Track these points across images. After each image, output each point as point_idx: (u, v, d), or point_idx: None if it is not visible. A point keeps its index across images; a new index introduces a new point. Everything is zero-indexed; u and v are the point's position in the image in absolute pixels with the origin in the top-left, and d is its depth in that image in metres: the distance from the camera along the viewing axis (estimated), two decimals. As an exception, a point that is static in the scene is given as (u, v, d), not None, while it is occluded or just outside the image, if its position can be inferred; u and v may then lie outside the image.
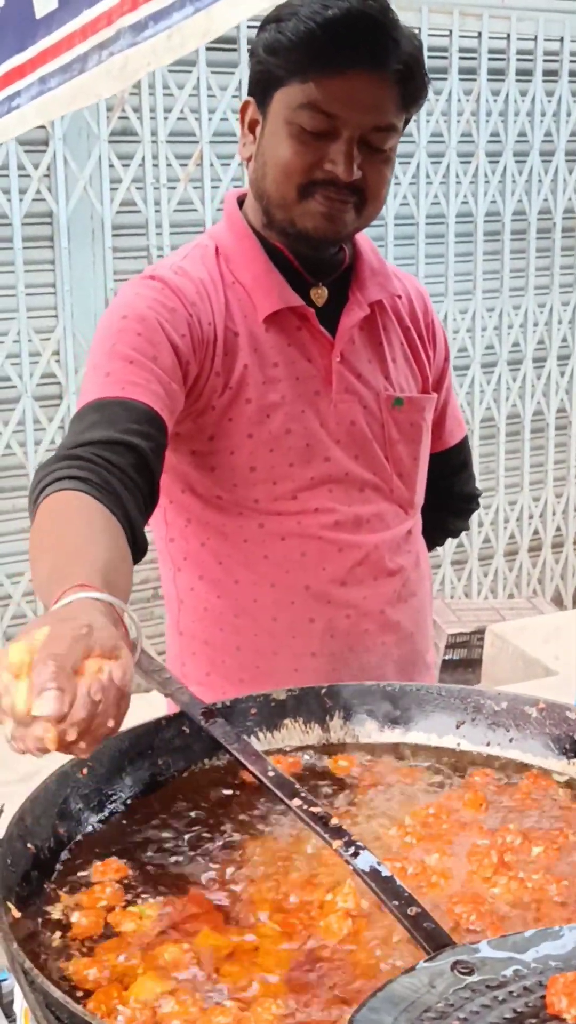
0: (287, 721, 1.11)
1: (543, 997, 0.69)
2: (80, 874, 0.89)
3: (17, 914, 0.80)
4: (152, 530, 1.46)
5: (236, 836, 0.94)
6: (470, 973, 0.71)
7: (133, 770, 1.01)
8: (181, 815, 0.98)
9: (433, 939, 0.76)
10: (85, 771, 0.96)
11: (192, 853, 0.92)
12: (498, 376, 4.40)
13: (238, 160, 3.71)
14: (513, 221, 4.32)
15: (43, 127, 3.41)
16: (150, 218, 3.64)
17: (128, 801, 0.99)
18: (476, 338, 4.27)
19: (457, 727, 1.11)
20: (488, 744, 1.10)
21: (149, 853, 0.92)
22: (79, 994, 0.76)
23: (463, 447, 1.64)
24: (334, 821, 0.88)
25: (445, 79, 3.99)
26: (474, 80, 4.09)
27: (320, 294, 1.38)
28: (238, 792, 1.01)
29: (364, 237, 1.44)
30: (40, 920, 0.83)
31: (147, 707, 1.08)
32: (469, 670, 3.71)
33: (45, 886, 0.87)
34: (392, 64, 1.24)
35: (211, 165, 3.68)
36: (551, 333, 4.52)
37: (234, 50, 3.64)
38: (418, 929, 0.77)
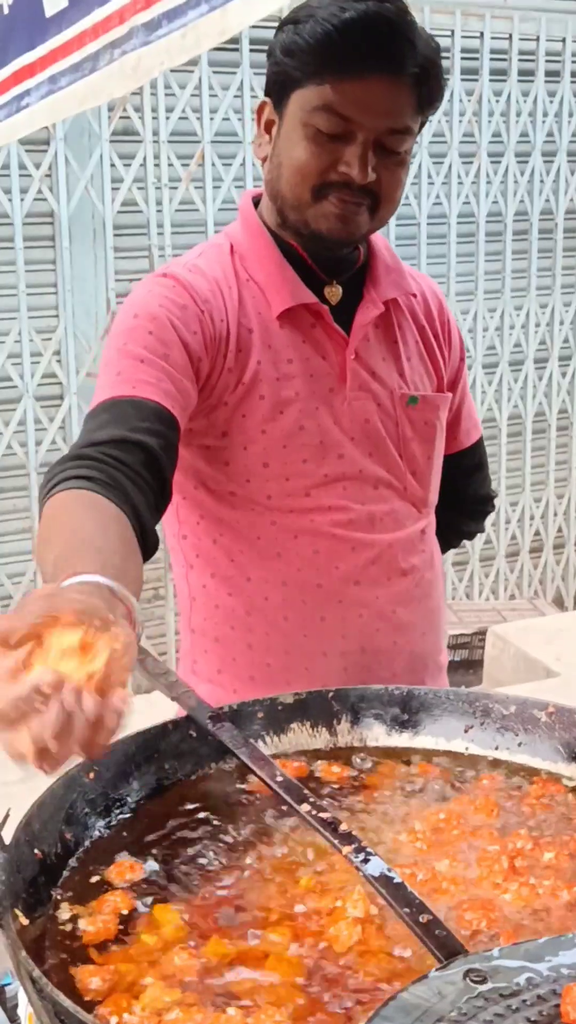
0: (294, 725, 1.10)
1: (557, 1006, 0.68)
2: (87, 880, 0.88)
3: (25, 921, 0.79)
4: (164, 527, 1.46)
5: (244, 841, 0.94)
6: (483, 982, 0.70)
7: (140, 774, 1.00)
8: (188, 820, 0.97)
9: (445, 947, 0.75)
10: (92, 775, 0.95)
11: (200, 858, 0.91)
12: (499, 377, 4.40)
13: (239, 160, 3.71)
14: (515, 222, 4.32)
15: (44, 127, 3.40)
16: (151, 218, 3.63)
17: (135, 805, 0.98)
18: (478, 339, 4.26)
19: (465, 731, 1.10)
20: (496, 748, 1.09)
21: (156, 858, 0.91)
22: (87, 1002, 0.75)
23: (478, 448, 1.64)
24: (343, 827, 0.88)
25: (447, 79, 3.98)
26: (476, 80, 4.09)
27: (334, 292, 1.38)
28: (246, 797, 1.00)
29: (379, 236, 1.45)
30: (48, 927, 0.83)
31: (150, 708, 1.07)
32: (470, 671, 3.70)
33: (53, 892, 0.86)
34: (408, 67, 1.24)
35: (213, 165, 3.68)
36: (553, 334, 4.52)
37: (236, 50, 3.64)
38: (430, 937, 0.76)
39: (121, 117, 3.52)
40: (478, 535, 1.86)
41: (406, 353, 1.44)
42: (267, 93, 1.33)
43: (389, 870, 0.83)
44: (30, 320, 3.49)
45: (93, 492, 1.07)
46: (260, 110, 1.34)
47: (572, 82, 4.34)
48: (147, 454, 1.16)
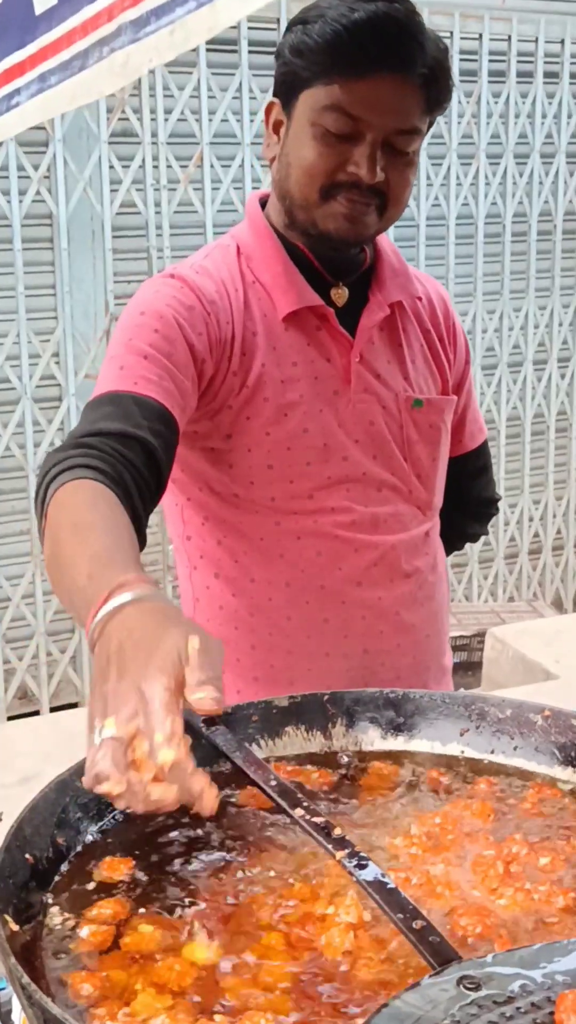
0: (289, 728, 1.09)
1: (551, 1014, 0.67)
2: (79, 886, 0.88)
3: (15, 927, 0.78)
4: (169, 528, 1.47)
5: (237, 845, 0.93)
6: (477, 988, 0.70)
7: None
8: (181, 824, 0.96)
9: (439, 953, 0.74)
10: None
11: (193, 863, 0.91)
12: (498, 378, 4.40)
13: (238, 162, 3.70)
14: (514, 223, 4.32)
15: (43, 128, 3.40)
16: (150, 219, 3.63)
17: (127, 810, 0.97)
18: (476, 341, 4.26)
19: (461, 735, 1.09)
20: (492, 752, 1.08)
21: (149, 863, 0.91)
22: (78, 1009, 0.75)
23: (483, 451, 1.64)
24: (337, 831, 0.87)
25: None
26: (475, 82, 4.09)
27: (340, 294, 1.39)
28: (240, 801, 1.00)
29: (385, 238, 1.45)
30: (38, 933, 0.82)
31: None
32: (469, 673, 3.70)
33: (44, 898, 0.85)
34: (417, 67, 1.25)
35: (211, 167, 3.67)
36: (552, 335, 4.52)
37: (235, 51, 3.63)
38: (423, 943, 0.75)
39: (120, 119, 3.52)
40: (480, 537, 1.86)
41: (411, 356, 1.44)
42: (276, 93, 1.33)
43: (382, 875, 0.82)
44: (28, 322, 3.49)
45: (100, 483, 1.07)
46: (268, 110, 1.34)
47: (571, 83, 4.33)
48: (148, 453, 1.16)
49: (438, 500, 1.49)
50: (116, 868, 0.89)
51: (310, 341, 1.36)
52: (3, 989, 1.24)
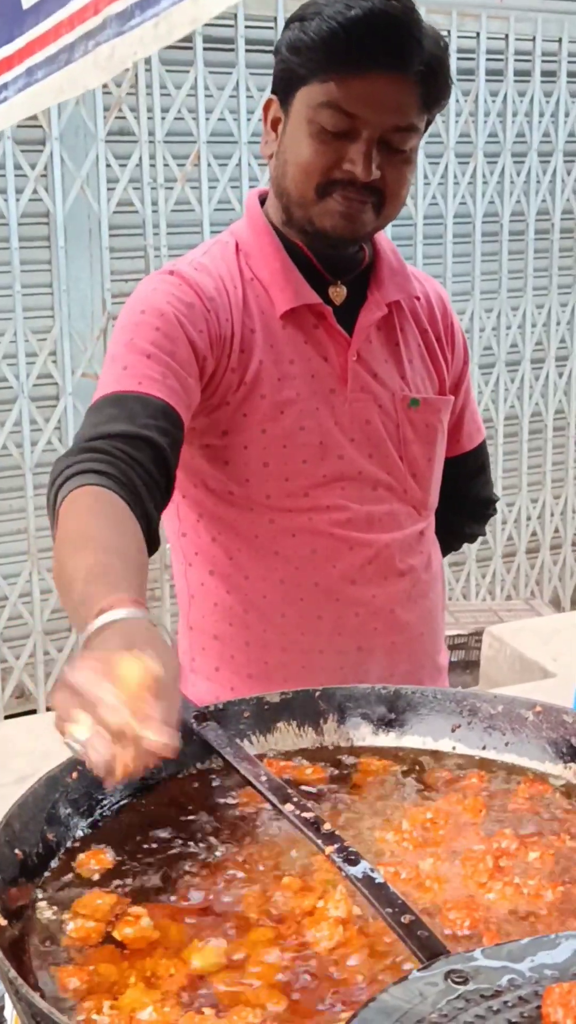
0: (280, 724, 1.09)
1: (539, 1007, 0.67)
2: (68, 881, 0.88)
3: (3, 922, 0.78)
4: (164, 524, 1.47)
5: (228, 841, 0.93)
6: (464, 982, 0.70)
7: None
8: (172, 820, 0.96)
9: (427, 947, 0.74)
10: (75, 775, 0.94)
11: (182, 859, 0.91)
12: (496, 377, 4.40)
13: (235, 160, 3.70)
14: (511, 222, 4.32)
15: (40, 126, 3.40)
16: (147, 218, 3.63)
17: (118, 805, 0.97)
18: (474, 340, 4.26)
19: (452, 730, 1.09)
20: (484, 748, 1.08)
21: (139, 859, 0.91)
22: (67, 1004, 0.75)
23: (481, 451, 1.64)
24: (327, 826, 0.87)
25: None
26: (472, 80, 4.09)
27: (339, 292, 1.39)
28: (230, 797, 1.00)
29: (384, 237, 1.45)
30: (28, 928, 0.82)
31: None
32: (467, 672, 3.70)
33: (33, 893, 0.85)
34: (414, 65, 1.24)
35: (208, 165, 3.67)
36: (549, 334, 4.52)
37: (231, 50, 3.63)
38: (411, 937, 0.75)
39: (117, 117, 3.52)
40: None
41: (408, 355, 1.44)
42: (274, 90, 1.33)
43: (372, 870, 0.82)
44: (25, 320, 3.49)
45: (111, 491, 1.07)
46: (267, 108, 1.34)
47: (568, 82, 4.33)
48: (156, 452, 1.16)
49: (433, 499, 1.49)
50: (105, 863, 0.89)
51: (307, 339, 1.36)
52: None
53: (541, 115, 4.30)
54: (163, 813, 0.97)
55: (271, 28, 3.67)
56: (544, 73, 4.26)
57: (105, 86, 3.35)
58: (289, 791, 0.92)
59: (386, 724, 1.10)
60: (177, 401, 1.21)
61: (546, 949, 0.73)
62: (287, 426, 1.34)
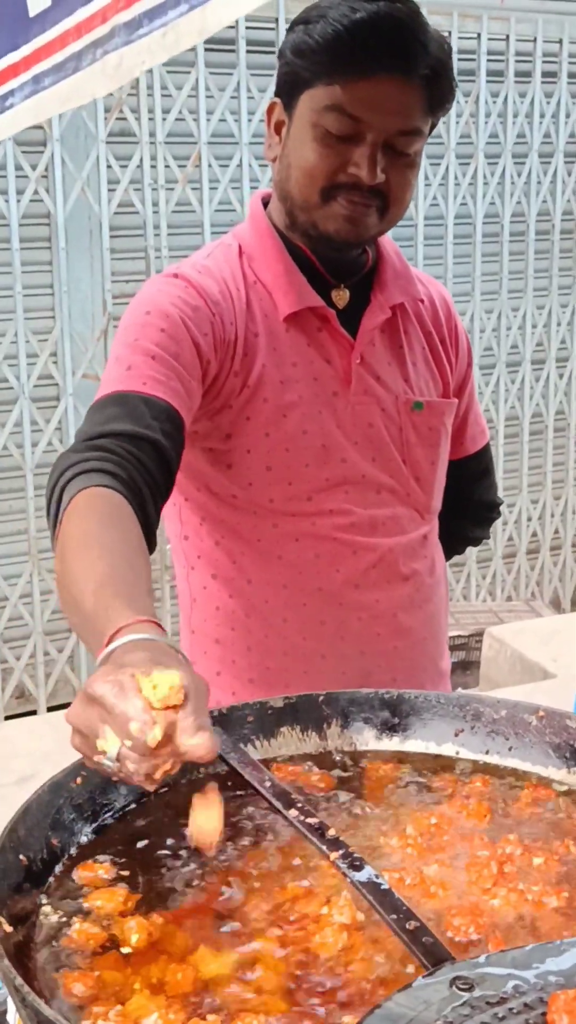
0: (284, 729, 1.09)
1: (544, 1014, 0.67)
2: (74, 886, 0.88)
3: (9, 928, 0.78)
4: (167, 528, 1.47)
5: (232, 847, 0.93)
6: (470, 989, 0.70)
7: (127, 779, 0.99)
8: (176, 825, 0.96)
9: (432, 954, 0.74)
10: (79, 780, 0.94)
11: (187, 864, 0.91)
12: (496, 378, 4.40)
13: (236, 161, 3.70)
14: (512, 223, 4.32)
15: (41, 128, 3.39)
16: (148, 219, 3.63)
17: (122, 811, 0.97)
18: (474, 340, 4.26)
19: (456, 735, 1.09)
20: (487, 752, 1.08)
21: (144, 864, 0.91)
22: (73, 1010, 0.75)
23: (485, 454, 1.64)
24: (331, 832, 0.87)
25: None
26: (473, 81, 4.09)
27: (342, 296, 1.38)
28: (235, 801, 1.00)
29: (388, 240, 1.44)
30: (32, 934, 0.82)
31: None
32: (467, 673, 3.70)
33: (38, 899, 0.86)
34: (419, 68, 1.24)
35: (209, 166, 3.67)
36: (550, 335, 4.52)
37: (232, 51, 3.63)
38: (416, 944, 0.75)
39: (117, 118, 3.52)
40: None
41: (412, 358, 1.44)
42: (277, 93, 1.32)
43: (376, 876, 0.82)
44: (26, 321, 3.49)
45: (118, 494, 1.06)
46: (270, 111, 1.34)
47: (569, 83, 4.33)
48: (160, 454, 1.15)
49: (437, 503, 1.49)
50: (110, 869, 0.89)
51: (311, 342, 1.36)
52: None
53: (542, 116, 4.30)
54: (167, 818, 0.97)
55: (272, 29, 3.67)
56: (545, 74, 4.26)
57: (106, 87, 3.34)
58: (293, 796, 0.92)
59: (389, 729, 1.10)
60: (180, 404, 1.21)
61: (551, 956, 0.73)
62: (290, 430, 1.34)
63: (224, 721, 1.06)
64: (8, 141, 3.32)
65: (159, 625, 0.88)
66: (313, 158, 1.27)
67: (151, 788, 0.78)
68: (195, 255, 1.40)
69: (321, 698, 1.11)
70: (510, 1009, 0.69)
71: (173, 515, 1.44)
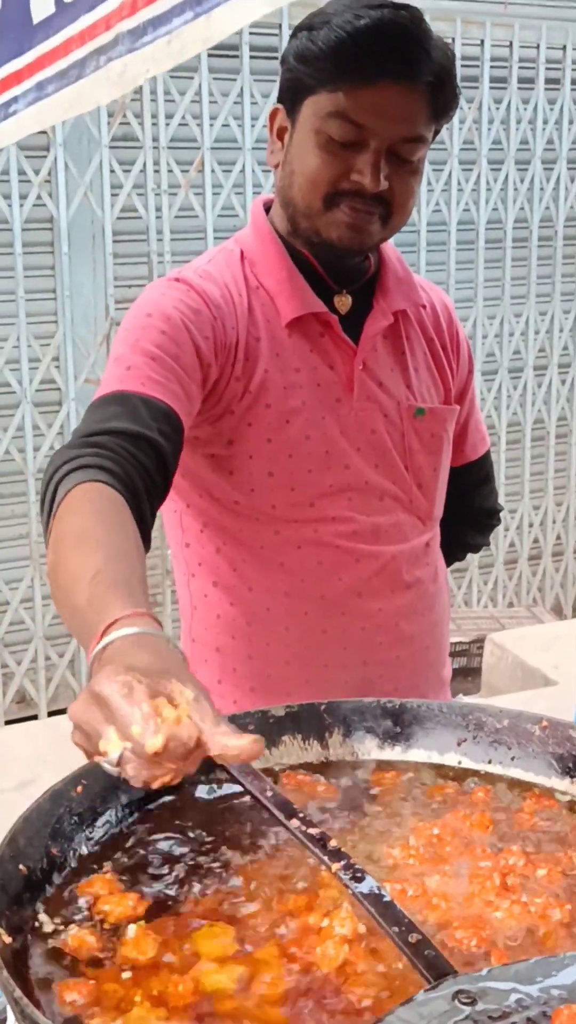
0: (285, 738, 1.09)
1: (547, 1029, 0.67)
2: (74, 897, 0.87)
3: (8, 939, 0.78)
4: (168, 534, 1.46)
5: (233, 857, 0.92)
6: (472, 1003, 0.69)
7: (127, 787, 0.98)
8: (176, 834, 0.95)
9: (434, 967, 0.74)
10: (80, 789, 0.94)
11: (188, 874, 0.90)
12: (499, 384, 4.39)
13: (239, 167, 3.70)
14: (515, 229, 4.32)
15: (44, 132, 3.39)
16: (151, 224, 3.63)
17: (122, 820, 0.97)
18: (477, 346, 4.26)
19: (458, 744, 1.09)
20: (490, 762, 1.08)
21: (145, 874, 0.90)
22: (71, 1023, 0.74)
23: (486, 461, 1.63)
24: (333, 843, 0.86)
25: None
26: (476, 88, 4.09)
27: (344, 302, 1.38)
28: (235, 811, 0.99)
29: (390, 246, 1.44)
30: (31, 944, 0.81)
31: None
32: (468, 679, 3.69)
33: (37, 909, 0.85)
34: (423, 75, 1.24)
35: (212, 171, 3.67)
36: (552, 341, 4.51)
37: (236, 56, 3.63)
38: (419, 957, 0.74)
39: (121, 123, 3.52)
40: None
41: (414, 364, 1.43)
42: (280, 99, 1.32)
43: (379, 888, 0.82)
44: (29, 326, 3.49)
45: (115, 491, 1.05)
46: (273, 116, 1.33)
47: (572, 89, 4.33)
48: (159, 455, 1.15)
49: (439, 510, 1.49)
50: (110, 878, 0.89)
51: (313, 348, 1.36)
52: (-2, 998, 1.23)
53: (545, 122, 4.30)
54: (168, 828, 0.97)
55: (275, 35, 3.68)
56: (548, 80, 4.26)
57: (109, 92, 3.34)
58: (294, 806, 0.91)
59: (392, 738, 1.10)
60: (179, 406, 1.20)
61: (555, 970, 0.72)
62: (293, 435, 1.34)
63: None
64: (11, 146, 3.32)
65: (155, 619, 0.88)
66: (316, 165, 1.26)
67: (153, 787, 0.78)
68: (197, 260, 1.40)
69: (323, 707, 1.11)
70: (513, 1023, 0.68)
71: (174, 522, 1.43)
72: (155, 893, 0.88)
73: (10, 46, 1.01)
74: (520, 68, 4.17)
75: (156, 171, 3.61)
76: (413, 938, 0.76)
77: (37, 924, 0.83)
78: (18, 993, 0.70)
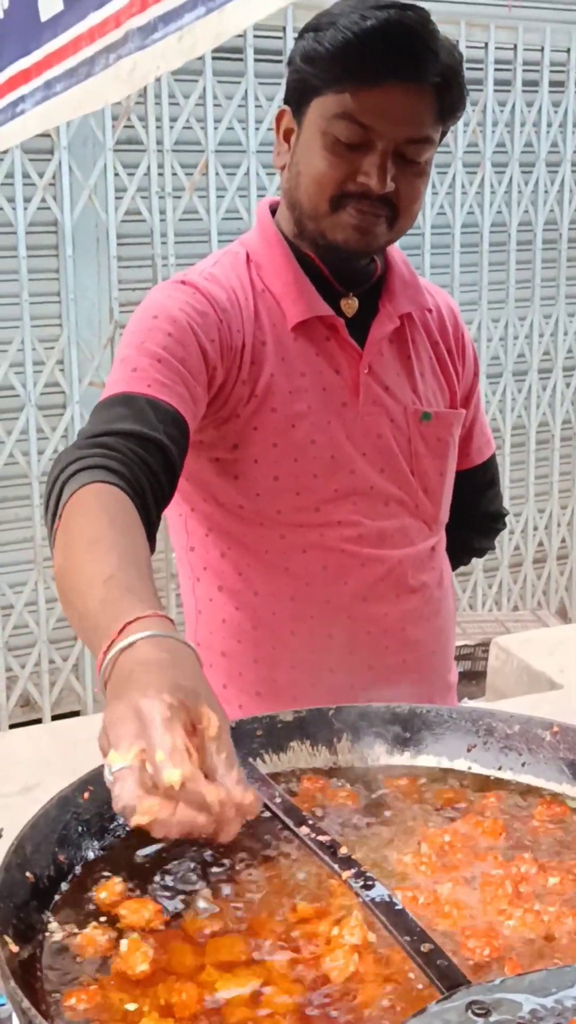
0: (294, 743, 1.08)
1: (563, 1041, 0.66)
2: (81, 905, 0.86)
3: (15, 948, 0.77)
4: (172, 539, 1.45)
5: (241, 864, 0.91)
6: (486, 1014, 0.68)
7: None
8: (184, 842, 0.94)
9: (447, 977, 0.73)
10: (87, 795, 0.93)
11: (195, 882, 0.89)
12: (503, 387, 4.38)
13: (243, 170, 3.70)
14: (519, 232, 4.31)
15: (48, 135, 3.39)
16: (155, 227, 3.62)
17: (130, 827, 0.96)
18: (481, 349, 4.25)
19: (468, 750, 1.08)
20: (500, 768, 1.07)
21: (152, 882, 0.89)
22: (78, 1031, 0.73)
23: (491, 465, 1.63)
24: (343, 851, 0.86)
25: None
26: (480, 90, 4.08)
27: (351, 305, 1.37)
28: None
29: (396, 249, 1.43)
30: (39, 953, 0.80)
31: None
32: (473, 683, 3.68)
33: (44, 917, 0.84)
34: (430, 76, 1.23)
35: (216, 174, 3.67)
36: (557, 344, 4.51)
37: (240, 60, 3.63)
38: (431, 967, 0.74)
39: (125, 126, 3.52)
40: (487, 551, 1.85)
41: (419, 369, 1.43)
42: (286, 101, 1.31)
43: (390, 896, 0.81)
44: (33, 329, 3.48)
45: (123, 492, 1.04)
46: (279, 118, 1.33)
47: (577, 92, 4.33)
48: (166, 458, 1.14)
49: (444, 515, 1.48)
50: (118, 886, 0.88)
51: (319, 351, 1.35)
52: (3, 1005, 1.22)
53: (549, 125, 4.29)
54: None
55: (280, 38, 3.67)
56: (552, 83, 4.25)
57: (114, 95, 3.34)
58: (304, 813, 0.90)
59: (401, 743, 1.09)
60: (185, 409, 1.19)
61: (570, 981, 0.71)
62: (298, 440, 1.33)
63: (233, 735, 1.04)
64: (15, 149, 3.32)
65: (172, 621, 0.87)
66: (322, 166, 1.26)
67: (127, 819, 0.76)
68: (201, 263, 1.39)
69: (331, 712, 1.10)
70: (528, 1035, 0.67)
71: (179, 526, 1.42)
72: (162, 900, 0.87)
73: (17, 45, 1.00)
74: (524, 71, 4.17)
75: (160, 174, 3.60)
76: (425, 947, 0.75)
77: (46, 932, 0.82)
78: (26, 1004, 0.69)
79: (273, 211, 1.40)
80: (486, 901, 0.86)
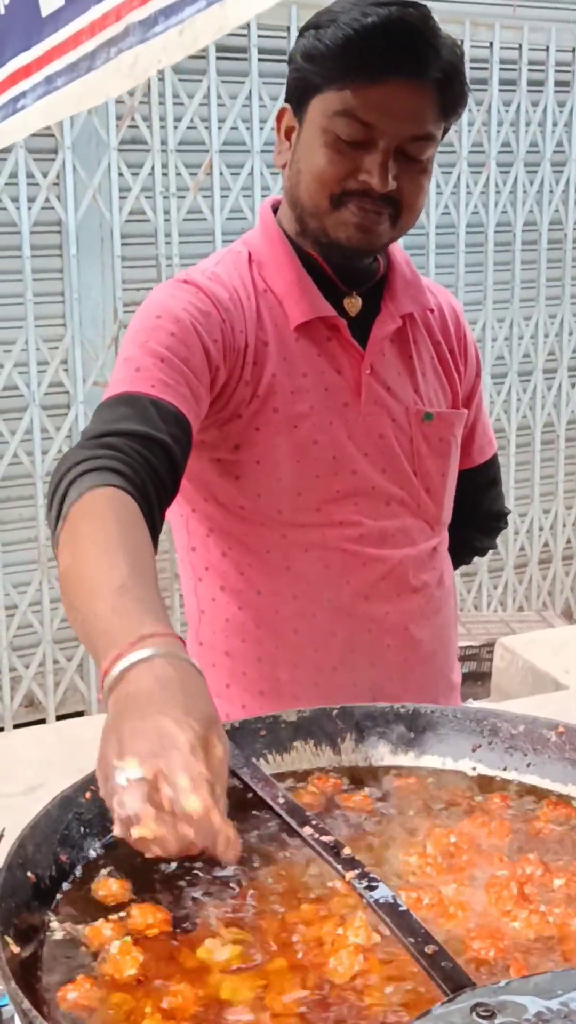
0: (297, 743, 1.07)
1: (568, 1044, 0.65)
2: (82, 904, 0.86)
3: (16, 949, 0.76)
4: (174, 539, 1.45)
5: (244, 864, 0.91)
6: (491, 1017, 0.68)
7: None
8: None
9: (451, 979, 0.72)
10: (88, 795, 0.92)
11: (198, 882, 0.89)
12: (508, 387, 4.38)
13: (247, 169, 3.70)
14: (524, 231, 4.30)
15: (52, 135, 3.39)
16: (159, 227, 3.62)
17: (120, 835, 0.95)
18: (486, 349, 4.24)
19: (473, 751, 1.07)
20: (505, 769, 1.06)
21: (154, 881, 0.89)
22: (80, 1033, 0.73)
23: (493, 464, 1.62)
24: (347, 851, 0.85)
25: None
26: (485, 90, 4.07)
27: (354, 303, 1.36)
28: (247, 818, 0.97)
29: (398, 248, 1.43)
30: (40, 953, 0.80)
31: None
32: (478, 683, 3.67)
33: (46, 917, 0.84)
34: (431, 73, 1.22)
35: (220, 174, 3.67)
36: (562, 344, 4.50)
37: (245, 59, 3.63)
38: (435, 968, 0.73)
39: (129, 126, 3.52)
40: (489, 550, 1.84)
41: (421, 368, 1.42)
42: (288, 99, 1.30)
43: (394, 897, 0.80)
44: (37, 329, 3.48)
45: (129, 496, 1.04)
46: (280, 116, 1.32)
47: (582, 92, 4.32)
48: (170, 458, 1.13)
49: (446, 515, 1.47)
50: (120, 886, 0.87)
51: (321, 352, 1.34)
52: (5, 1006, 1.22)
53: (554, 125, 4.28)
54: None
55: (284, 38, 3.67)
56: (557, 83, 4.24)
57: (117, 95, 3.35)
58: (307, 814, 0.90)
59: (405, 744, 1.08)
60: (188, 409, 1.19)
61: (575, 982, 0.70)
62: (300, 440, 1.32)
63: (236, 735, 1.04)
64: (19, 148, 3.32)
65: (184, 643, 0.87)
66: (323, 164, 1.25)
67: (117, 829, 0.76)
68: (203, 262, 1.38)
69: (335, 712, 1.09)
70: (533, 1038, 0.66)
71: (180, 526, 1.42)
72: (165, 901, 0.86)
73: (18, 40, 0.99)
74: (529, 70, 4.16)
75: (164, 174, 3.60)
76: (430, 949, 0.75)
77: (47, 932, 0.82)
78: (27, 1005, 0.68)
79: (276, 210, 1.40)
80: (491, 902, 0.86)
